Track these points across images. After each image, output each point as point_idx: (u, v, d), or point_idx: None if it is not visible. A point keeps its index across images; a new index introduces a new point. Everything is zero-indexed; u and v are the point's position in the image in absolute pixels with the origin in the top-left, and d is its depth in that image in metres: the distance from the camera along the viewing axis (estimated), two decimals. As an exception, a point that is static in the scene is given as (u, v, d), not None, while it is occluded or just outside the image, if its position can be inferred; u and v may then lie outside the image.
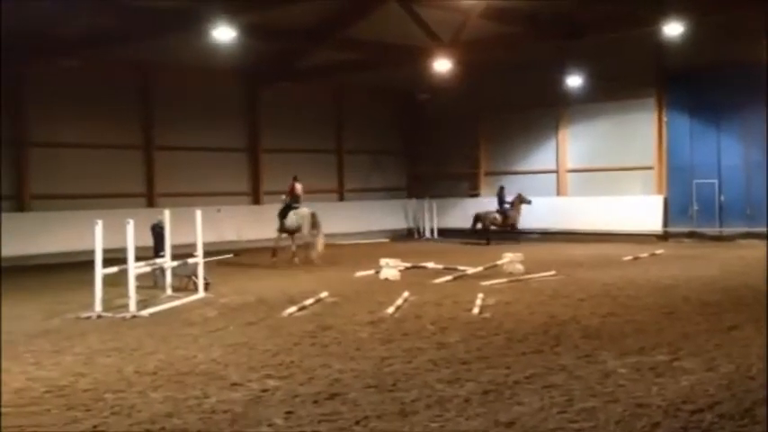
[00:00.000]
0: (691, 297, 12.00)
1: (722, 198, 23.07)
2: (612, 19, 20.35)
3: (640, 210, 24.31)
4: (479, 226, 24.81)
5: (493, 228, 24.71)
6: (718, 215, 23.18)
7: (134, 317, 11.11)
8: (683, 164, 23.87)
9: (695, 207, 23.44)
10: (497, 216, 24.82)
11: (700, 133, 23.65)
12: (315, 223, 19.27)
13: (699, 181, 23.47)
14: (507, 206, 24.97)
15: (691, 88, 23.56)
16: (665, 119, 24.26)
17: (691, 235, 23.25)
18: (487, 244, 23.54)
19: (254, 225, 24.79)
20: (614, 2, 20.48)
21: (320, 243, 19.02)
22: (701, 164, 23.52)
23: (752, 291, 12.50)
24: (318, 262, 18.51)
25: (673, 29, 18.74)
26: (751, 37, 20.73)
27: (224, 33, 17.72)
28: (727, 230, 22.82)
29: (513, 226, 24.94)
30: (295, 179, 20.34)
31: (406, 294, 12.45)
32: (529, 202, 25.04)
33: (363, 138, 28.40)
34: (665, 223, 23.88)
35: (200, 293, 13.19)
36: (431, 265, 16.35)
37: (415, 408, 6.32)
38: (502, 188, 25.56)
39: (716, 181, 23.21)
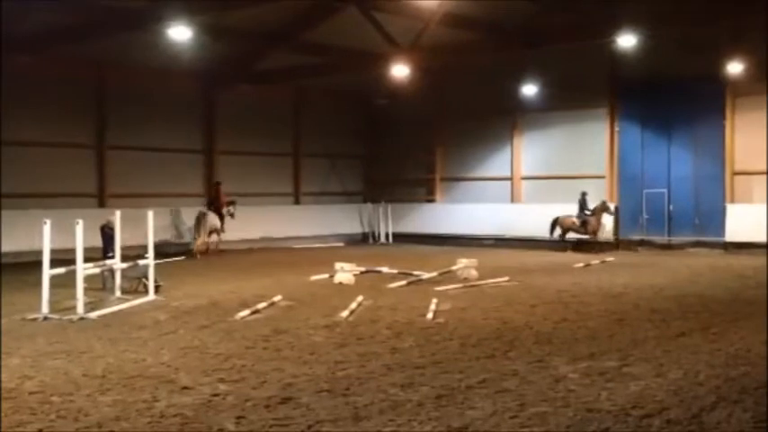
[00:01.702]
0: (640, 304, 12.21)
1: (671, 207, 23.55)
2: (568, 29, 20.67)
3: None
4: (558, 232, 23.69)
5: (571, 235, 23.57)
6: (668, 224, 23.66)
7: (82, 319, 10.88)
8: (634, 173, 24.31)
9: (645, 216, 23.89)
10: (576, 222, 23.45)
11: (651, 144, 24.14)
12: (199, 224, 21.76)
13: (649, 190, 23.93)
14: (588, 213, 23.38)
15: (643, 99, 24.02)
16: (617, 129, 24.69)
17: (641, 243, 23.68)
18: (565, 251, 22.80)
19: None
20: (570, 13, 20.81)
21: (198, 242, 21.54)
22: (652, 174, 24.00)
23: (700, 299, 12.77)
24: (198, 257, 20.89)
25: (626, 41, 19.11)
26: (703, 51, 21.22)
27: (180, 33, 17.52)
28: (675, 239, 23.30)
29: (594, 234, 23.38)
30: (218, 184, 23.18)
31: (360, 299, 12.43)
32: (612, 213, 23.45)
33: (321, 142, 28.30)
34: (616, 231, 24.27)
35: (151, 296, 12.98)
36: (385, 269, 16.37)
37: (369, 412, 6.30)
38: (584, 194, 23.69)
39: (665, 191, 23.69)
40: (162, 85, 23.63)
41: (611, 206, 23.54)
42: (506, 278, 15.31)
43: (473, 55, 23.26)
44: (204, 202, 23.05)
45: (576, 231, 23.52)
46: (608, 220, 23.67)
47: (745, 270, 17.03)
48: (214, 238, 22.42)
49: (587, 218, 23.36)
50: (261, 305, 11.83)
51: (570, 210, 24.19)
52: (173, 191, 24.11)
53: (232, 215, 23.11)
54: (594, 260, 19.42)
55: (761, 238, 21.19)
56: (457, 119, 27.87)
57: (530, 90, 25.00)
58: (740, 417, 6.11)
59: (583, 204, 23.61)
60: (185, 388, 7.12)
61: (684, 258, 20.57)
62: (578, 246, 23.39)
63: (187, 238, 22.91)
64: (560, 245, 23.52)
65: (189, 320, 10.89)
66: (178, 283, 14.59)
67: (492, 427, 5.94)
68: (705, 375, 7.48)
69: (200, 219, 21.81)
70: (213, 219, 22.15)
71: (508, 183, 27.03)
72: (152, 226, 13.33)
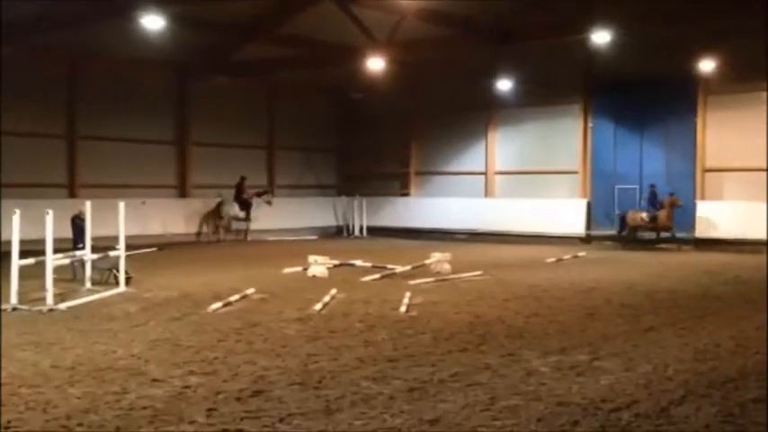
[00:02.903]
0: (611, 299, 12.32)
1: (643, 204, 23.79)
2: (543, 26, 20.79)
3: (565, 213, 24.86)
4: (628, 229, 22.60)
5: (639, 231, 22.55)
6: (639, 220, 23.88)
7: (51, 310, 10.76)
8: (606, 169, 24.54)
9: (617, 211, 24.11)
10: (645, 218, 22.33)
11: (623, 140, 24.36)
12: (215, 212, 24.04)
13: (621, 186, 24.16)
14: (657, 207, 22.33)
15: (616, 96, 24.24)
16: (590, 125, 24.88)
17: (612, 238, 23.91)
18: (623, 248, 21.96)
19: (181, 219, 24.41)
20: (545, 9, 20.91)
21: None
22: (624, 170, 24.23)
23: (670, 294, 12.91)
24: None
25: (601, 38, 19.25)
26: (677, 50, 21.42)
27: (154, 23, 17.35)
28: (646, 235, 23.54)
29: (664, 230, 22.25)
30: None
31: (333, 292, 12.42)
32: (680, 206, 22.11)
33: (296, 134, 28.22)
34: (588, 226, 24.49)
35: (122, 288, 12.86)
36: (359, 263, 16.36)
37: (340, 405, 6.29)
38: (653, 186, 22.70)
39: (637, 187, 23.93)
40: (135, 75, 23.40)
41: (681, 200, 22.16)
42: (479, 272, 15.38)
43: (449, 50, 23.30)
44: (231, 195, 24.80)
45: (645, 228, 22.38)
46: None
47: (715, 266, 17.25)
48: (239, 225, 24.81)
49: (657, 213, 22.27)
50: (233, 298, 11.77)
51: (544, 205, 24.37)
52: (144, 182, 23.91)
53: (269, 203, 25.24)
54: (575, 254, 19.53)
55: (730, 235, 21.51)
56: (432, 113, 27.92)
57: (505, 86, 25.11)
58: (708, 411, 6.18)
59: (652, 198, 22.45)
60: (156, 380, 7.06)
61: (655, 254, 20.79)
62: (648, 243, 22.15)
63: (153, 230, 22.76)
64: (529, 240, 23.53)
65: (160, 312, 10.81)
66: (150, 275, 14.47)
67: (463, 420, 5.96)
68: (674, 370, 7.57)
69: (217, 207, 24.10)
70: (230, 208, 24.29)
71: (482, 177, 27.14)
72: (123, 217, 13.20)
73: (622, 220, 22.70)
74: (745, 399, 6.51)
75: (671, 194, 22.20)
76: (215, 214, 24.30)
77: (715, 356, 8.20)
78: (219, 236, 24.36)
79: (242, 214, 24.63)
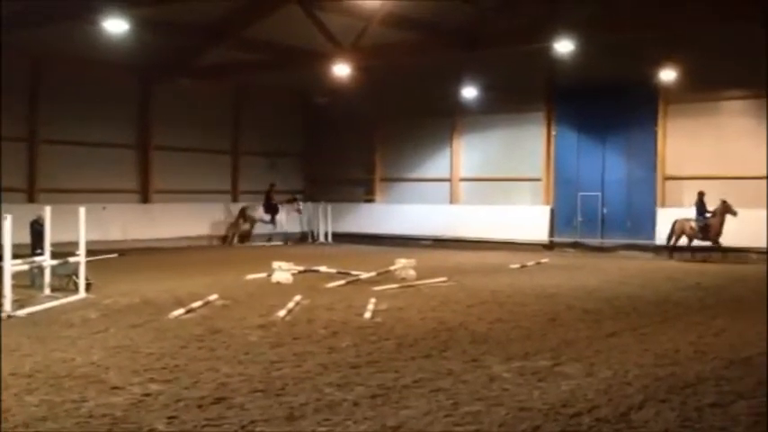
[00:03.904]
0: (573, 305, 12.44)
1: (605, 210, 24.09)
2: (507, 33, 20.97)
3: (528, 219, 25.07)
4: (684, 240, 21.23)
5: (686, 240, 21.22)
6: (601, 227, 24.19)
7: (9, 317, 10.54)
8: (569, 176, 24.79)
9: (579, 218, 24.38)
10: (694, 226, 20.96)
11: (586, 148, 24.63)
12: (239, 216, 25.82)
13: (584, 193, 24.43)
14: (708, 215, 20.89)
15: (579, 104, 24.50)
16: (554, 132, 25.13)
17: (575, 245, 24.16)
18: (670, 257, 21.04)
19: (143, 224, 24.13)
20: (509, 17, 21.11)
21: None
22: (587, 177, 24.49)
23: (630, 300, 13.07)
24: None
25: (564, 46, 19.47)
26: (639, 59, 21.74)
27: (117, 25, 17.14)
28: (608, 242, 23.84)
29: (715, 239, 20.79)
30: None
31: (298, 298, 12.36)
32: (734, 213, 20.44)
33: (260, 139, 28.07)
34: (552, 233, 24.72)
35: (82, 294, 12.66)
36: (324, 269, 16.31)
37: (303, 412, 6.26)
38: (701, 194, 21.20)
39: (599, 194, 24.21)
40: (97, 77, 23.07)
41: (735, 208, 20.58)
42: (444, 278, 15.42)
43: (414, 56, 23.37)
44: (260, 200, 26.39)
45: (695, 237, 21.06)
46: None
47: (675, 273, 17.51)
48: (265, 228, 26.27)
49: (708, 221, 20.85)
50: (196, 304, 11.65)
51: (508, 211, 24.52)
52: (105, 187, 23.58)
53: (299, 211, 26.66)
54: (538, 261, 19.69)
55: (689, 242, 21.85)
56: (397, 119, 27.97)
57: (470, 93, 25.25)
58: (667, 416, 6.27)
59: (701, 206, 21.10)
60: (115, 388, 6.96)
61: (616, 260, 21.05)
62: (695, 251, 21.09)
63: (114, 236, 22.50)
64: (493, 246, 23.66)
65: (120, 319, 10.66)
66: (110, 281, 14.25)
67: (426, 426, 5.97)
68: (634, 375, 7.66)
69: (241, 211, 25.81)
70: (254, 212, 25.88)
71: (447, 184, 27.25)
72: (83, 222, 12.99)
73: (673, 228, 21.32)
74: (703, 404, 6.62)
75: (723, 201, 20.73)
76: (241, 218, 25.84)
77: (674, 362, 8.32)
78: (234, 240, 25.70)
79: (267, 217, 26.02)
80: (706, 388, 7.16)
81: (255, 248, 24.17)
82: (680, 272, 17.73)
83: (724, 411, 6.41)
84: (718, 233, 20.65)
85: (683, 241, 21.36)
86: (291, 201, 26.80)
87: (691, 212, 21.80)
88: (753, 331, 10.12)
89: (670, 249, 21.38)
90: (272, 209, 26.34)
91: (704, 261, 20.53)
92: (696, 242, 21.26)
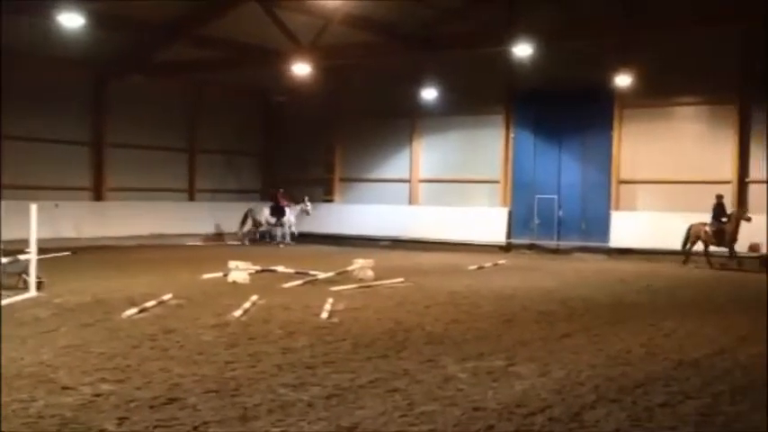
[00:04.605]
0: (528, 306, 12.56)
1: (561, 213, 24.39)
2: (467, 35, 21.12)
3: (486, 221, 25.26)
4: (700, 245, 20.57)
5: (697, 246, 20.58)
6: (557, 229, 24.49)
7: (-45, 316, 10.27)
8: (526, 179, 25.05)
9: (536, 221, 24.65)
10: (709, 231, 20.25)
11: (543, 151, 24.92)
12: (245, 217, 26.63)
13: (540, 196, 24.71)
14: (724, 220, 20.22)
15: (537, 108, 24.79)
16: (512, 135, 25.37)
17: (531, 247, 24.42)
18: (684, 263, 20.37)
19: (96, 222, 23.74)
20: (469, 19, 21.27)
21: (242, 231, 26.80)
22: (544, 180, 24.78)
23: (584, 302, 13.25)
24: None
25: (522, 50, 19.67)
26: (595, 64, 22.07)
27: (71, 20, 16.84)
28: (564, 244, 24.14)
29: (731, 245, 20.06)
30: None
31: (254, 298, 12.27)
32: (748, 219, 19.89)
33: (218, 137, 27.82)
34: (509, 235, 24.94)
35: (32, 292, 12.38)
36: (281, 268, 16.21)
37: (257, 413, 6.21)
38: (720, 197, 20.49)
39: (556, 197, 24.51)
40: (50, 73, 22.59)
41: (748, 214, 20.08)
42: (401, 279, 15.45)
43: (373, 56, 23.41)
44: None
45: (709, 242, 20.35)
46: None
47: (627, 275, 17.80)
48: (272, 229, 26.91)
49: (722, 226, 20.14)
50: (149, 303, 11.49)
51: (466, 213, 24.66)
52: (58, 184, 23.15)
53: (307, 212, 26.55)
54: (496, 262, 19.83)
55: (642, 245, 22.25)
56: (357, 119, 27.96)
57: (429, 94, 25.37)
58: (618, 416, 6.36)
59: (718, 211, 20.37)
60: (65, 388, 6.83)
61: (571, 263, 21.33)
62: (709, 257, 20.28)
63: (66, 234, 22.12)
64: (451, 247, 23.78)
65: (71, 318, 10.46)
66: (62, 280, 13.98)
67: (381, 426, 5.97)
68: (586, 375, 7.76)
69: (246, 213, 26.33)
70: (259, 215, 26.39)
71: (407, 185, 27.33)
72: (35, 219, 12.73)
73: (688, 233, 20.67)
74: (653, 403, 6.73)
75: (739, 207, 20.40)
76: (246, 219, 26.41)
77: (626, 362, 8.45)
78: (246, 241, 26.17)
79: (273, 219, 26.48)
80: (656, 388, 7.29)
81: (198, 248, 23.95)
82: (632, 274, 18.03)
83: (673, 411, 6.53)
84: (733, 239, 19.98)
85: (699, 247, 20.58)
86: (300, 202, 26.88)
87: (642, 216, 22.21)
88: (701, 333, 10.36)
89: (685, 255, 20.60)
90: (278, 211, 26.58)
91: (723, 268, 19.81)
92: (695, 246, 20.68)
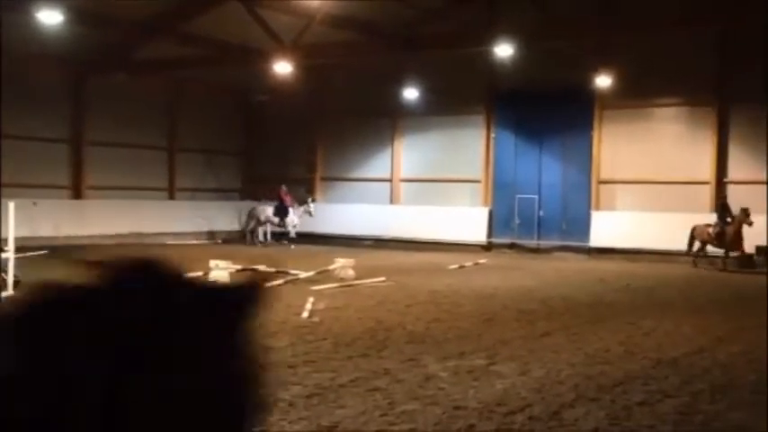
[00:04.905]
0: (509, 305, 12.62)
1: (541, 213, 24.50)
2: (448, 35, 21.15)
3: (467, 220, 25.32)
4: (697, 245, 20.26)
5: (699, 247, 20.30)
6: (537, 229, 24.59)
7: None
8: (507, 179, 25.14)
9: (517, 220, 24.74)
10: (711, 233, 19.92)
11: (524, 151, 25.02)
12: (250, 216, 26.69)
13: (521, 196, 24.80)
14: (727, 222, 19.79)
15: (518, 108, 24.86)
16: (492, 135, 25.44)
17: (512, 246, 24.51)
18: (695, 266, 19.93)
19: (75, 221, 23.54)
20: (450, 19, 21.31)
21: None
22: (524, 180, 24.88)
23: (564, 301, 13.33)
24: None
25: (504, 51, 19.74)
26: (576, 64, 22.18)
27: (51, 17, 16.68)
28: (544, 243, 24.25)
29: (731, 248, 19.63)
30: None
31: (234, 297, 12.19)
32: (750, 224, 19.31)
33: (198, 136, 27.66)
34: (490, 234, 25.02)
35: (9, 291, 12.26)
36: (262, 268, 16.11)
37: (238, 412, 6.18)
38: (724, 197, 20.29)
39: (536, 197, 24.61)
40: (30, 70, 22.36)
41: (750, 218, 19.45)
42: (383, 278, 15.46)
43: (355, 56, 23.39)
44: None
45: (710, 243, 20.03)
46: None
47: (607, 275, 17.91)
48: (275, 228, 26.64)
49: (724, 228, 19.75)
50: (129, 302, 11.39)
51: (447, 212, 24.70)
52: (36, 182, 22.92)
53: (309, 213, 26.18)
54: (477, 261, 19.83)
55: (622, 244, 22.41)
56: (338, 119, 27.91)
57: (411, 94, 25.38)
58: (597, 414, 6.41)
59: (722, 212, 20.03)
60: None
61: (552, 262, 21.43)
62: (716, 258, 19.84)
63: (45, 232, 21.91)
64: (432, 247, 23.79)
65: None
66: (40, 279, 13.83)
67: (361, 425, 5.97)
68: (566, 374, 7.81)
69: (250, 213, 26.45)
70: (262, 214, 26.14)
71: (388, 184, 27.33)
72: (13, 218, 12.59)
73: (692, 235, 20.33)
74: (631, 402, 6.79)
75: (743, 209, 19.54)
76: (250, 219, 26.43)
77: (605, 361, 8.51)
78: (254, 240, 26.10)
79: (276, 219, 26.23)
80: (635, 387, 7.35)
81: (179, 248, 23.82)
82: (611, 273, 18.15)
83: (651, 410, 6.59)
84: (733, 241, 19.50)
85: (699, 247, 20.43)
86: (303, 203, 26.61)
87: (621, 215, 22.34)
88: (679, 332, 10.45)
89: (693, 257, 20.29)
90: (282, 211, 26.35)
91: (723, 270, 19.46)
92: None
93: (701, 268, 19.89)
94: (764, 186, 20.23)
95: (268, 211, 26.29)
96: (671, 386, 7.40)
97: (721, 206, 20.14)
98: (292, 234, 25.93)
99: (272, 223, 26.40)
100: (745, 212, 19.43)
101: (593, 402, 6.75)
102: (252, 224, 26.43)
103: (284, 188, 26.34)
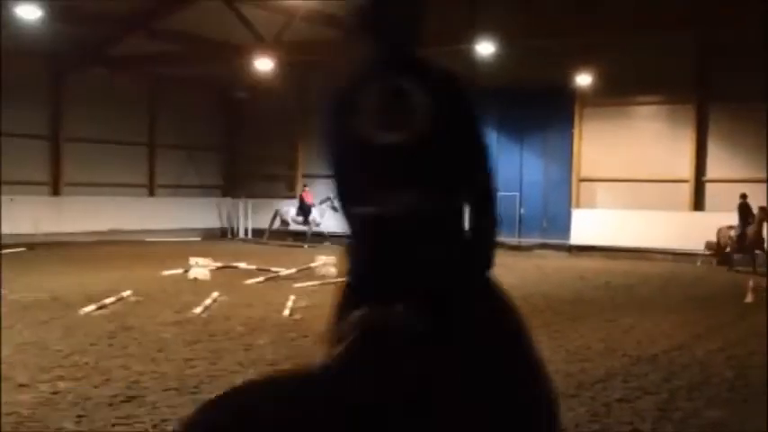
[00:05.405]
0: (490, 303, 12.61)
1: (522, 211, 24.58)
2: (429, 33, 21.12)
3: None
4: (718, 247, 19.48)
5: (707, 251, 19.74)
6: (518, 226, 24.67)
7: None
8: (489, 176, 25.15)
9: (499, 218, 24.75)
10: (732, 235, 18.84)
11: (505, 149, 25.06)
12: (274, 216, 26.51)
13: (502, 193, 24.75)
14: (749, 224, 18.60)
15: (498, 105, 24.88)
16: (474, 132, 25.44)
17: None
18: (729, 269, 18.70)
19: (53, 217, 23.34)
20: (431, 18, 21.29)
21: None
22: (505, 177, 24.86)
23: (545, 298, 13.37)
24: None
25: (485, 48, 19.77)
26: (556, 62, 22.25)
27: (29, 12, 16.51)
28: (525, 241, 24.34)
29: (752, 251, 18.63)
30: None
31: (215, 295, 12.16)
32: None
33: (179, 132, 27.47)
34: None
35: (-14, 289, 12.14)
36: (243, 265, 16.10)
37: (218, 410, 6.15)
38: (744, 197, 18.94)
39: (517, 194, 24.69)
40: (6, 66, 22.08)
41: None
42: (363, 276, 15.41)
43: (337, 52, 23.30)
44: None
45: (731, 247, 19.05)
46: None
47: (587, 272, 18.01)
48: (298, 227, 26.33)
49: (744, 230, 18.62)
50: (107, 300, 11.32)
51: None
52: (14, 178, 22.66)
53: (335, 208, 26.14)
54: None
55: (602, 242, 22.55)
56: (320, 116, 27.77)
57: (392, 91, 25.31)
58: (577, 411, 6.43)
59: (743, 212, 18.77)
60: (22, 385, 6.70)
61: (532, 259, 21.51)
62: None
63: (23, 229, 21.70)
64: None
65: (27, 315, 10.27)
66: (18, 276, 13.73)
67: (343, 424, 5.95)
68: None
69: (275, 213, 26.44)
70: (286, 214, 26.08)
71: (368, 182, 27.25)
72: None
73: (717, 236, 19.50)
74: (611, 399, 6.82)
75: (761, 208, 18.45)
76: (274, 218, 26.41)
77: (585, 358, 8.55)
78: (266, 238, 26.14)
79: (300, 219, 26.04)
80: (615, 383, 7.39)
81: (159, 245, 23.71)
82: (591, 271, 18.25)
83: (631, 406, 6.62)
84: (754, 242, 18.52)
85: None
86: (324, 201, 25.98)
87: (601, 213, 22.44)
88: (659, 329, 10.52)
89: (725, 260, 19.28)
90: (304, 210, 26.23)
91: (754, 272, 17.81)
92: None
93: (743, 273, 17.94)
94: (742, 184, 20.37)
95: (292, 211, 26.20)
96: (650, 383, 7.45)
97: (742, 205, 18.92)
98: (310, 233, 25.72)
99: (296, 222, 26.22)
100: (764, 211, 18.41)
101: (574, 399, 6.77)
102: (277, 224, 26.35)
103: (307, 188, 26.29)
